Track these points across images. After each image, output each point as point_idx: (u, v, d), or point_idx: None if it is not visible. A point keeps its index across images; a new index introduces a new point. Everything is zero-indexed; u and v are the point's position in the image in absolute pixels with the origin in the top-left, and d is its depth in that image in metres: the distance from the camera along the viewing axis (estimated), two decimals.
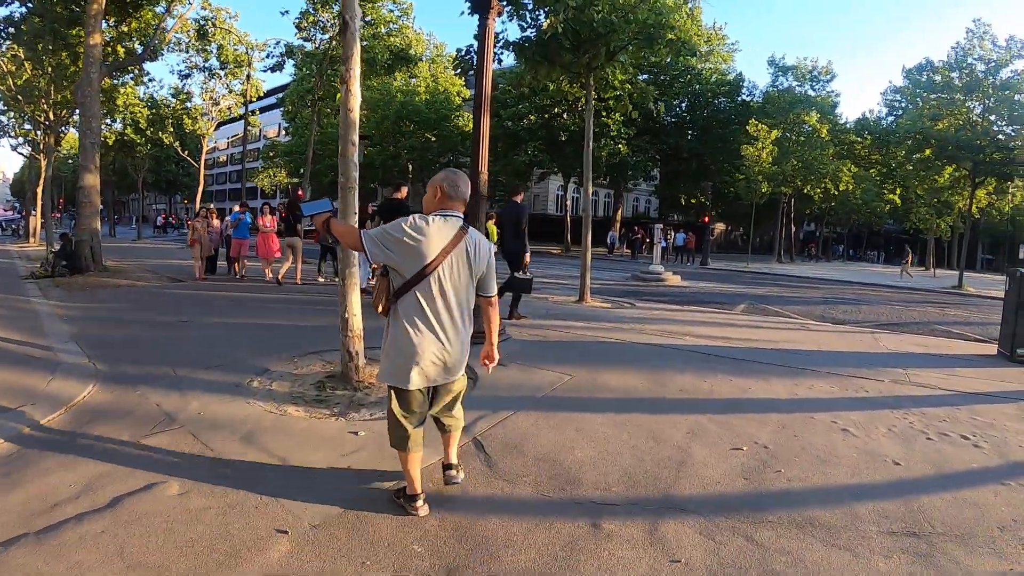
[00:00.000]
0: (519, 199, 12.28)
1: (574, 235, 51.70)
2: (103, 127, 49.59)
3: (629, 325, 12.57)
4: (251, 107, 51.55)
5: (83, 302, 13.36)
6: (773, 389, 7.97)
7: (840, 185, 50.22)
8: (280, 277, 17.18)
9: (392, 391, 4.13)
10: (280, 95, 57.05)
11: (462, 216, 4.09)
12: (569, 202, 54.82)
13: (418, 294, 3.88)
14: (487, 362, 4.44)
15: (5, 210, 78.71)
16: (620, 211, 57.26)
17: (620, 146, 44.22)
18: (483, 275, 4.17)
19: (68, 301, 13.41)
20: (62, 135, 40.51)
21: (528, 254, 11.98)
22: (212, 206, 19.88)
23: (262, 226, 17.76)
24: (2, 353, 8.43)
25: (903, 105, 52.61)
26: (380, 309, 4.06)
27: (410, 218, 3.93)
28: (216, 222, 18.95)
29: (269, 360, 8.44)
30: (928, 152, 37.81)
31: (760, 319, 15.20)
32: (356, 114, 7.36)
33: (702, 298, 20.39)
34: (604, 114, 42.88)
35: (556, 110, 45.66)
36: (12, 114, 38.85)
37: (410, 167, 53.69)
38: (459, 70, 21.90)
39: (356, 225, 7.07)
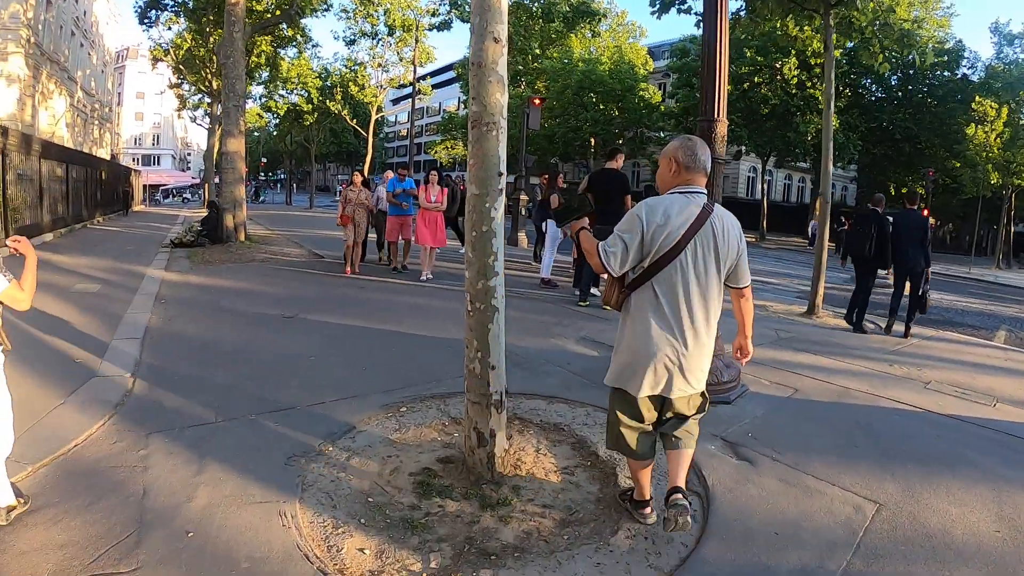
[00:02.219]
0: (618, 165, 10.82)
1: (771, 222, 47.72)
2: (278, 97, 50.40)
3: (898, 367, 8.77)
4: (429, 81, 49.83)
5: (202, 277, 12.64)
6: None
7: None
8: None
9: (614, 390, 3.74)
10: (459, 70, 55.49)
11: (705, 192, 3.59)
12: (764, 185, 49.69)
13: (655, 287, 3.47)
14: (739, 355, 3.99)
15: (184, 180, 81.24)
16: (821, 198, 50.89)
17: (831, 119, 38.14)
18: (734, 264, 3.62)
19: (188, 274, 12.88)
20: None
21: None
22: (359, 170, 15.71)
23: (425, 202, 12.65)
24: (42, 349, 7.17)
25: None
26: (613, 303, 3.67)
27: (644, 202, 3.53)
28: (362, 192, 13.42)
29: (367, 401, 5.95)
30: None
31: None
32: None
33: (946, 315, 16.49)
34: (810, 84, 38.00)
35: (756, 79, 40.92)
36: (187, 86, 38.88)
37: (592, 141, 50.31)
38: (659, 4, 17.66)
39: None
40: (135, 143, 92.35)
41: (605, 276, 3.60)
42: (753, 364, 7.76)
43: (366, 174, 14.96)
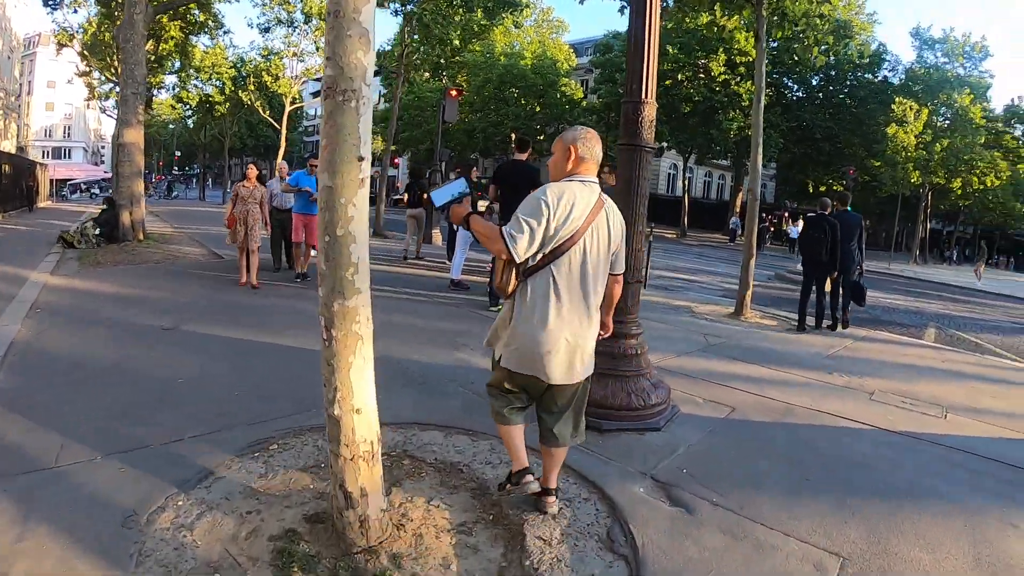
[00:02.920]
0: (527, 157, 10.13)
1: (691, 219, 47.79)
2: (192, 87, 48.36)
3: (838, 375, 8.12)
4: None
5: (88, 282, 11.24)
6: None
7: (988, 180, 44.09)
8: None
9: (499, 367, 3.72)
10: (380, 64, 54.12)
11: (597, 181, 3.63)
12: (685, 182, 49.67)
13: (553, 272, 3.47)
14: (602, 332, 3.92)
15: (95, 174, 77.59)
16: (740, 195, 51.19)
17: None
18: (617, 252, 3.73)
19: (74, 279, 11.48)
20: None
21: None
22: (253, 162, 12.64)
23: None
24: None
25: None
26: (509, 290, 3.57)
27: (548, 188, 3.51)
28: (257, 189, 11.06)
29: (234, 435, 4.89)
30: None
31: (988, 362, 10.63)
32: None
33: (874, 313, 16.10)
34: (735, 83, 37.96)
35: (679, 76, 40.76)
36: (97, 74, 36.58)
37: (513, 136, 49.33)
38: None
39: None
40: (46, 135, 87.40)
41: (498, 261, 3.59)
42: (684, 377, 7.18)
43: (285, 169, 13.09)
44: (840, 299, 11.39)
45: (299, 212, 11.87)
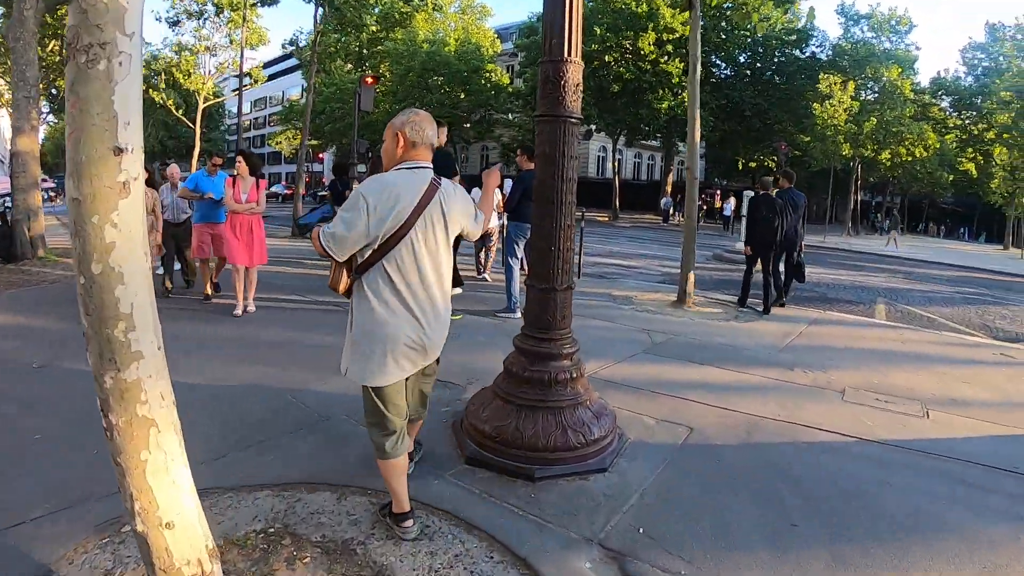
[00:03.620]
0: (441, 141, 8.92)
1: (623, 201, 47.03)
2: None
3: (800, 371, 7.26)
4: (269, 69, 46.40)
5: None
6: None
7: (916, 151, 44.95)
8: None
9: (364, 388, 3.46)
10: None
11: (430, 166, 3.46)
12: (615, 164, 48.80)
13: (386, 266, 3.29)
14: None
15: (4, 186, 73.40)
16: (671, 175, 50.84)
17: (683, 95, 37.47)
18: (464, 228, 3.63)
19: None
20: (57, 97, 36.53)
21: None
22: (168, 167, 11.12)
23: (232, 201, 8.88)
24: None
25: (985, 64, 49.86)
26: (341, 289, 3.43)
27: (369, 181, 3.44)
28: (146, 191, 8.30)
29: (84, 512, 3.72)
30: None
31: (948, 340, 10.11)
32: None
33: (819, 291, 15.57)
34: (663, 61, 37.29)
35: (607, 58, 39.70)
36: None
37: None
38: None
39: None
40: None
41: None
42: (630, 390, 6.21)
43: (177, 174, 10.90)
44: (783, 278, 11.33)
45: (201, 223, 9.87)
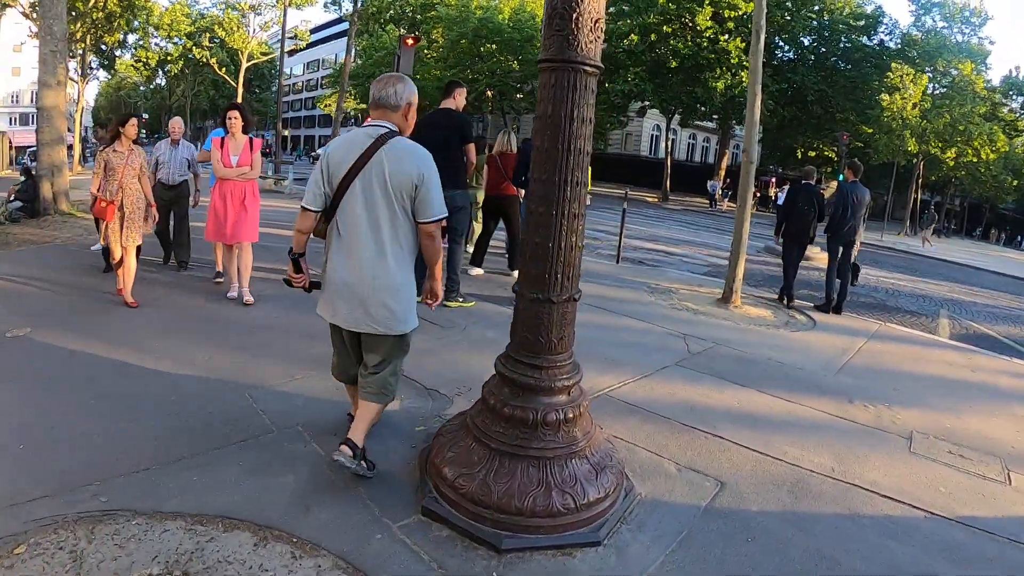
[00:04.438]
0: (457, 104, 7.76)
1: (674, 182, 45.37)
2: (155, 47, 45.58)
3: (860, 404, 6.05)
4: (324, 33, 45.91)
5: None
6: None
7: (983, 153, 42.11)
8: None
9: None
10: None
11: (388, 126, 3.53)
12: (668, 144, 47.31)
13: (337, 216, 3.54)
14: (428, 300, 3.85)
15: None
16: (726, 158, 48.86)
17: (742, 75, 35.82)
18: (413, 196, 3.50)
19: None
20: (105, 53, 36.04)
21: None
22: (138, 116, 7.80)
23: (220, 165, 7.61)
24: None
25: None
26: (320, 234, 3.70)
27: (331, 142, 3.87)
28: (133, 153, 7.22)
29: None
30: None
31: (1020, 370, 8.77)
32: None
33: (876, 296, 14.35)
34: (723, 38, 35.63)
35: (665, 29, 37.82)
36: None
37: (489, 94, 46.93)
38: None
39: None
40: (13, 101, 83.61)
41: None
42: (653, 418, 5.13)
43: (180, 128, 9.31)
44: (845, 280, 10.45)
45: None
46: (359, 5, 21.08)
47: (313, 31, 79.56)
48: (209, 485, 3.49)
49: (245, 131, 7.74)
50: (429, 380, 5.12)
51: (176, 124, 9.34)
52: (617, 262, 12.41)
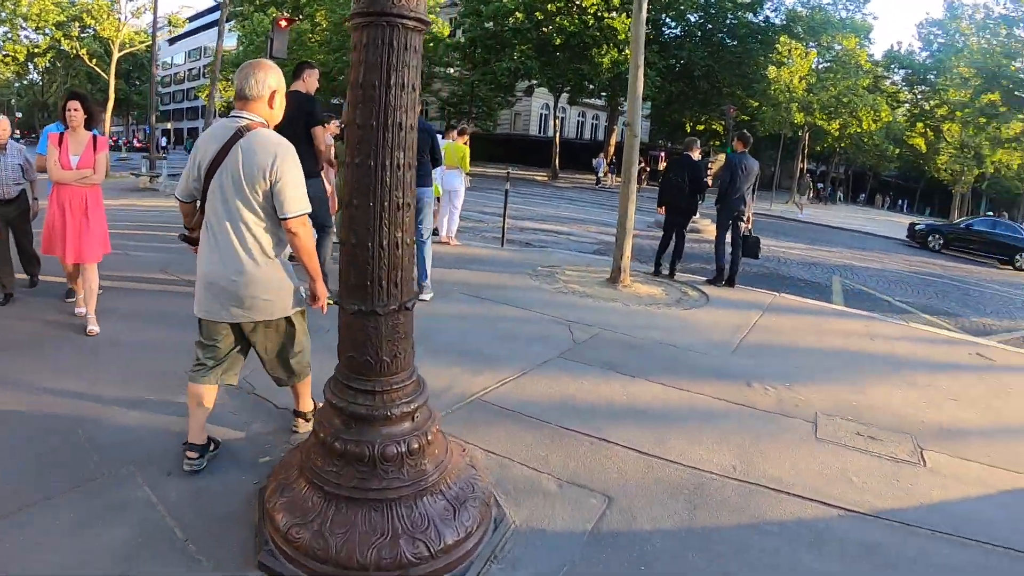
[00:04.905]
0: (306, 87, 7.27)
1: (564, 160, 45.68)
2: (25, 39, 42.78)
3: (759, 385, 5.69)
4: (207, 19, 44.00)
5: None
6: None
7: (865, 124, 45.44)
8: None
9: None
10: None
11: (250, 117, 3.40)
12: (556, 122, 47.15)
13: (207, 209, 3.45)
14: (313, 303, 3.72)
15: None
16: (614, 135, 48.90)
17: (628, 52, 35.52)
18: (267, 191, 3.32)
19: None
20: None
21: None
22: None
23: (56, 168, 6.25)
24: None
25: (941, 41, 50.80)
26: (193, 226, 3.70)
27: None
28: None
29: None
30: (996, 96, 35.49)
31: (919, 335, 8.81)
32: None
33: (770, 266, 14.48)
34: (606, 15, 35.44)
35: (551, 7, 37.55)
36: None
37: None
38: None
39: None
40: None
41: None
42: (530, 424, 4.56)
43: (107, 127, 7.82)
44: (736, 252, 10.26)
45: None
46: None
47: (194, 17, 76.12)
48: (26, 548, 2.85)
49: (88, 126, 6.42)
50: (282, 398, 4.39)
51: (1, 125, 7.14)
52: (502, 245, 11.88)
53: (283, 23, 18.64)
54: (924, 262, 20.11)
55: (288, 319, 3.63)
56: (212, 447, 3.68)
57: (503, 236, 12.05)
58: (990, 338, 9.44)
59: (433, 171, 8.15)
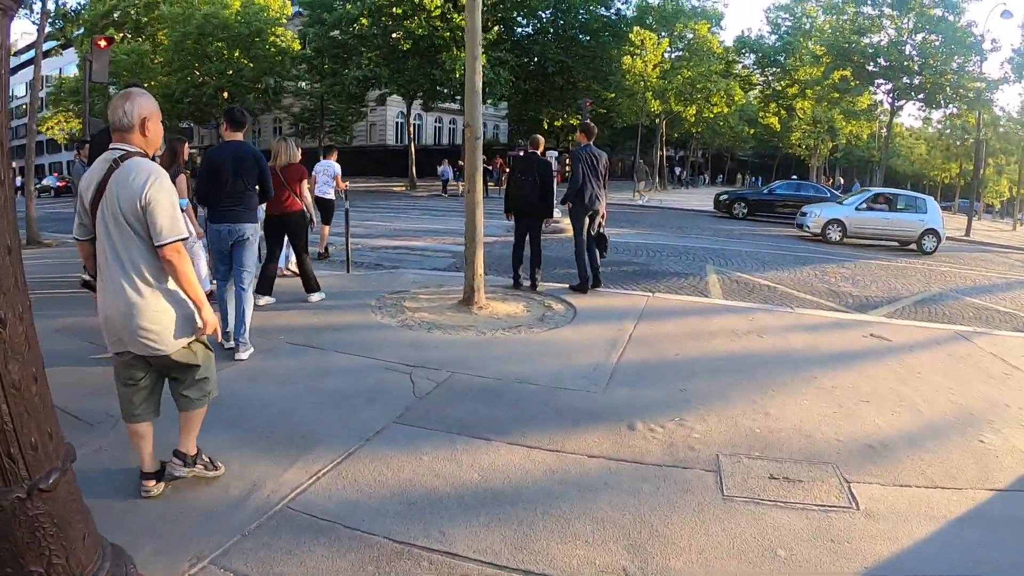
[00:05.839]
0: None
1: (422, 169, 44.65)
2: None
3: (644, 427, 4.69)
4: (47, 45, 40.63)
5: None
6: None
7: (720, 106, 46.70)
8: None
9: None
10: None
11: (126, 149, 3.32)
12: (411, 130, 46.31)
13: (97, 248, 3.40)
14: (199, 333, 3.54)
15: None
16: (469, 129, 47.66)
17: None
18: (140, 220, 3.24)
19: None
20: None
21: None
22: None
23: None
24: None
25: (788, 24, 53.72)
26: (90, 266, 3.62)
27: None
28: None
29: None
30: (848, 71, 38.06)
31: (808, 322, 8.48)
32: None
33: (640, 262, 13.76)
34: (454, 15, 34.51)
35: (396, 10, 36.04)
36: None
37: (225, 96, 43.06)
38: None
39: None
40: None
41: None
42: (353, 538, 3.35)
43: None
44: (594, 251, 9.74)
45: None
46: (45, 6, 17.65)
47: (31, 46, 70.79)
48: None
49: None
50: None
51: None
52: (348, 271, 10.47)
53: (102, 43, 16.81)
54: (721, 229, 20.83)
55: (184, 351, 3.50)
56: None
57: (348, 261, 10.62)
58: (875, 312, 9.45)
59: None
